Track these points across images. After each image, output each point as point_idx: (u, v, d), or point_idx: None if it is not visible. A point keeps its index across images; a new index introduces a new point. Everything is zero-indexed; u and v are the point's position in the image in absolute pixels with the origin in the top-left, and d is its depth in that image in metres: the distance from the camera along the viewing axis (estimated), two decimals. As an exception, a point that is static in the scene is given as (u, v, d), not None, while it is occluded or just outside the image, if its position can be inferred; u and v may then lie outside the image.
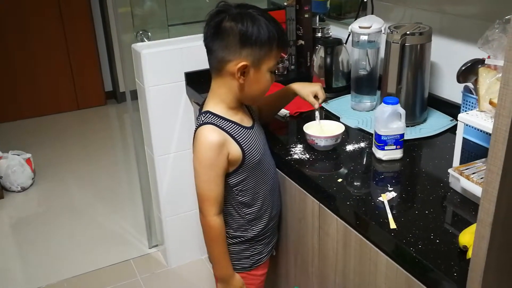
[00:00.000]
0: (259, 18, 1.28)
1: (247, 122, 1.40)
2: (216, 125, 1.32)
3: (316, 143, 1.46)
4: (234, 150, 1.33)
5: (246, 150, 1.35)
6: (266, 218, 1.47)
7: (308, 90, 1.54)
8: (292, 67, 2.13)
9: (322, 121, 1.55)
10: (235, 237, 1.46)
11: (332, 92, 1.88)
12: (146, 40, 2.30)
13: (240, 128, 1.36)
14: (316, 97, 1.54)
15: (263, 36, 1.27)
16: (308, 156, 1.46)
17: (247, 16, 1.27)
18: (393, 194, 1.24)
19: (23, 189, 3.23)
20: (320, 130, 1.51)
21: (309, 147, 1.50)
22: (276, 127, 1.71)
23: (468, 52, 1.49)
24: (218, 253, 1.41)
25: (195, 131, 1.35)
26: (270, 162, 1.48)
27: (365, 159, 1.45)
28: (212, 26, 1.29)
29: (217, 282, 1.51)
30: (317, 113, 1.54)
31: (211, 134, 1.31)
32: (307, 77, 1.97)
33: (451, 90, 1.65)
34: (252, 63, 1.29)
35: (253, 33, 1.26)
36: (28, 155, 3.31)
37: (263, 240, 1.50)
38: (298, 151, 1.49)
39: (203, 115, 1.35)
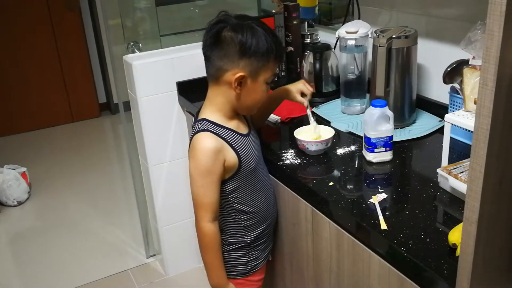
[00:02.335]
0: (259, 30, 1.30)
1: (243, 129, 1.42)
2: (212, 132, 1.33)
3: (307, 148, 1.48)
4: (231, 156, 1.35)
5: (242, 157, 1.36)
6: (262, 224, 1.48)
7: (294, 91, 1.55)
8: (283, 73, 2.15)
9: (314, 123, 1.54)
10: (232, 244, 1.47)
11: (322, 96, 1.91)
12: (137, 51, 2.32)
13: (237, 135, 1.37)
14: (303, 94, 1.54)
15: (262, 48, 1.29)
16: (299, 161, 1.48)
17: (247, 27, 1.29)
18: (383, 196, 1.26)
19: (19, 203, 3.23)
20: (315, 132, 1.52)
21: (300, 152, 1.52)
22: (268, 133, 1.73)
23: (453, 53, 1.52)
24: (211, 260, 1.41)
25: (191, 138, 1.36)
26: (265, 169, 1.49)
27: (355, 162, 1.46)
28: (212, 35, 1.31)
29: None
30: (308, 112, 1.53)
31: (207, 141, 1.32)
32: (297, 83, 1.99)
33: (438, 91, 1.67)
34: (249, 74, 1.31)
35: (252, 45, 1.28)
36: (24, 169, 3.31)
37: (259, 246, 1.51)
38: (289, 156, 1.50)
39: (200, 122, 1.36)
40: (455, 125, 1.27)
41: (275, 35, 1.35)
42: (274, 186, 1.53)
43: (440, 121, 1.62)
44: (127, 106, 2.29)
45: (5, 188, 3.16)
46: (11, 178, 3.18)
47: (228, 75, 1.30)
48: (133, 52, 2.31)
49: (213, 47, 1.31)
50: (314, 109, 1.80)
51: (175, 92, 2.12)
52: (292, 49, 2.07)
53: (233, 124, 1.38)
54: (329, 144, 1.49)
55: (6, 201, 3.19)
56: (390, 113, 1.40)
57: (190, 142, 1.37)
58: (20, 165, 3.35)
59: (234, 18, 1.32)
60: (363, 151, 1.46)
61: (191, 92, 2.07)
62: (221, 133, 1.34)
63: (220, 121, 1.36)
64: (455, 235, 1.03)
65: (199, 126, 1.35)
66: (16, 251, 2.78)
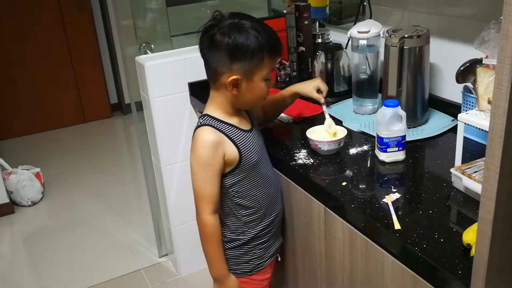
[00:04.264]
0: (248, 29, 1.29)
1: (245, 125, 1.44)
2: (213, 126, 1.36)
3: (320, 148, 1.48)
4: (231, 150, 1.37)
5: (242, 151, 1.38)
6: (264, 221, 1.49)
7: (310, 87, 1.57)
8: (294, 73, 2.15)
9: (329, 119, 1.55)
10: (232, 240, 1.49)
11: (334, 96, 1.91)
12: (149, 52, 2.33)
13: (238, 130, 1.40)
14: (319, 91, 1.57)
15: (252, 48, 1.29)
16: (312, 161, 1.48)
17: (235, 28, 1.29)
18: (397, 195, 1.25)
19: (33, 203, 3.26)
20: (330, 128, 1.52)
21: (313, 152, 1.52)
22: (280, 132, 1.73)
23: (466, 53, 1.51)
24: (212, 252, 1.43)
25: (194, 132, 1.40)
26: (268, 167, 1.50)
27: (368, 162, 1.46)
28: (206, 38, 1.33)
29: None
30: (324, 108, 1.56)
31: (207, 135, 1.35)
32: (309, 83, 2.00)
33: (451, 91, 1.67)
34: (243, 76, 1.32)
35: (241, 46, 1.28)
36: (37, 170, 3.35)
37: (262, 244, 1.51)
38: (302, 156, 1.51)
39: (202, 117, 1.40)
40: (468, 125, 1.27)
41: (269, 31, 1.34)
42: (286, 185, 1.53)
43: (453, 120, 1.62)
44: (139, 106, 2.31)
45: (19, 188, 3.19)
46: (25, 179, 3.21)
47: (223, 78, 1.32)
48: (145, 53, 2.33)
49: (208, 51, 1.33)
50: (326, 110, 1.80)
51: (187, 93, 2.14)
52: (304, 49, 2.07)
53: (234, 120, 1.41)
54: (341, 144, 1.49)
55: (20, 201, 3.23)
56: (402, 113, 1.40)
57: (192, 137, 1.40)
58: (34, 166, 3.39)
59: (228, 17, 1.32)
60: (375, 151, 1.46)
61: (203, 93, 2.05)
62: (222, 128, 1.37)
63: (221, 117, 1.39)
64: (469, 235, 1.02)
65: (201, 121, 1.39)
66: (30, 251, 2.81)
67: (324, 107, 1.57)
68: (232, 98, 1.36)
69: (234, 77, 1.30)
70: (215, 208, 1.39)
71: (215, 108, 1.40)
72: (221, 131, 1.37)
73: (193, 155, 1.37)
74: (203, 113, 1.41)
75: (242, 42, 1.28)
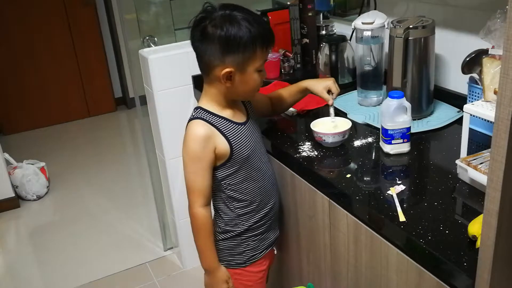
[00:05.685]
0: (240, 20, 1.27)
1: (239, 118, 1.43)
2: (204, 119, 1.36)
3: (324, 140, 1.48)
4: (221, 144, 1.36)
5: (234, 145, 1.38)
6: (258, 214, 1.48)
7: (322, 86, 1.55)
8: (298, 65, 2.14)
9: (335, 118, 1.54)
10: (226, 232, 1.49)
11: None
12: (153, 45, 2.33)
13: (230, 124, 1.39)
14: (329, 92, 1.55)
15: (245, 39, 1.27)
16: (316, 153, 1.47)
17: (227, 20, 1.27)
18: (401, 187, 1.25)
19: (39, 198, 3.28)
20: (334, 127, 1.51)
21: (317, 144, 1.51)
22: (284, 125, 1.72)
23: (472, 43, 1.50)
24: (203, 243, 1.43)
25: (186, 125, 1.40)
26: (263, 159, 1.49)
27: (373, 154, 1.46)
28: (197, 31, 1.31)
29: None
30: (331, 110, 1.54)
31: (198, 128, 1.35)
32: (313, 75, 1.99)
33: (457, 82, 1.65)
34: (237, 68, 1.30)
35: (234, 38, 1.26)
36: (42, 164, 3.36)
37: (256, 236, 1.51)
38: (306, 149, 1.50)
39: (194, 110, 1.40)
40: (474, 116, 1.26)
41: (261, 21, 1.32)
42: (291, 178, 1.53)
43: (458, 111, 1.60)
44: (143, 100, 2.30)
45: (24, 182, 3.21)
46: (30, 173, 3.23)
47: (216, 71, 1.31)
48: (149, 46, 2.33)
49: (199, 44, 1.32)
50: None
51: (191, 86, 2.13)
52: (308, 41, 2.06)
53: (227, 113, 1.40)
54: (346, 136, 1.48)
55: (26, 196, 3.24)
56: (407, 104, 1.39)
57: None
58: (38, 160, 3.40)
59: (218, 9, 1.30)
60: (380, 143, 1.45)
61: (207, 86, 2.07)
62: (213, 121, 1.36)
63: (214, 109, 1.38)
64: (475, 227, 1.02)
65: (193, 114, 1.39)
66: (36, 245, 2.83)
67: (331, 109, 1.53)
68: (226, 90, 1.35)
69: (227, 69, 1.29)
70: (206, 201, 1.40)
71: (208, 100, 1.39)
72: (213, 125, 1.36)
73: (184, 149, 1.38)
74: (196, 106, 1.41)
75: (234, 34, 1.26)
